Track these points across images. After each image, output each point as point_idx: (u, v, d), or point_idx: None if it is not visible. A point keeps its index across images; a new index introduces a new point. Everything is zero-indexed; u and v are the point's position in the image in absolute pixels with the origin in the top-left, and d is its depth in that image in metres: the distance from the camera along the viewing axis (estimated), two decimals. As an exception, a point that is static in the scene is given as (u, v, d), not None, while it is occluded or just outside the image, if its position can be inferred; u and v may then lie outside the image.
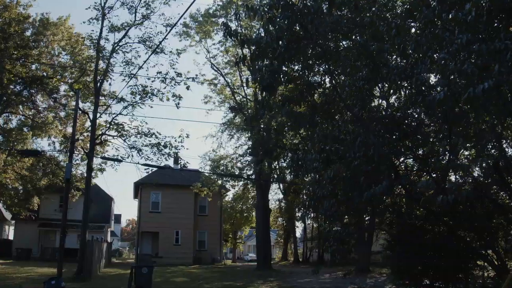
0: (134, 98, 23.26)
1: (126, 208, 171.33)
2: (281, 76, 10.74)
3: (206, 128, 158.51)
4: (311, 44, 10.74)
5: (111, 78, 24.81)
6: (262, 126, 32.56)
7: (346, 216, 13.30)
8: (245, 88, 39.84)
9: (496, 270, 13.05)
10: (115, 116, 23.27)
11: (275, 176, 45.84)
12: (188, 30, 37.86)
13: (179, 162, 23.28)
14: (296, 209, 56.92)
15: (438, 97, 7.32)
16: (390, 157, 10.40)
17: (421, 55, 8.81)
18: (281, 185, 55.67)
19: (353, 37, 11.19)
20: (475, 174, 12.50)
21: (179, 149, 23.22)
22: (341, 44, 12.04)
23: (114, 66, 24.37)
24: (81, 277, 22.04)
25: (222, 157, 45.69)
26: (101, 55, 24.43)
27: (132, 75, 23.42)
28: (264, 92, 11.52)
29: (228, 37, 10.65)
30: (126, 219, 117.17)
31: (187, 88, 24.84)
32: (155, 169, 31.45)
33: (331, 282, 26.53)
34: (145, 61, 26.73)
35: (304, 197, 48.73)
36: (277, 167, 42.95)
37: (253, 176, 40.62)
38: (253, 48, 11.35)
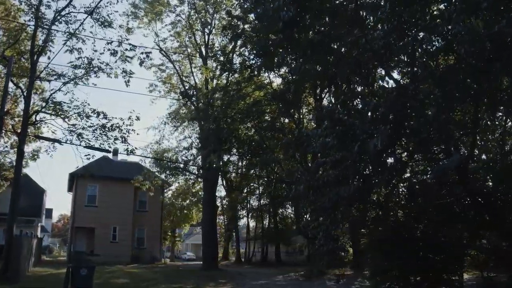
0: (76, 73, 20.29)
1: (59, 202, 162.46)
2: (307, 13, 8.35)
3: (149, 119, 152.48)
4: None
5: (50, 51, 21.63)
6: (215, 113, 30.39)
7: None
8: (195, 76, 37.48)
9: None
10: (54, 93, 20.17)
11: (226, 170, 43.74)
12: (137, 11, 34.97)
13: (128, 147, 20.45)
14: (239, 206, 55.39)
15: None
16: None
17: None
18: (224, 182, 53.71)
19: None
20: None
21: (129, 133, 20.39)
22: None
23: (55, 36, 21.14)
24: (6, 278, 18.83)
25: (166, 150, 43.21)
26: (40, 23, 21.20)
27: (76, 50, 20.46)
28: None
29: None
30: (59, 214, 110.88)
31: (141, 63, 21.92)
32: (93, 159, 28.06)
33: (288, 284, 24.67)
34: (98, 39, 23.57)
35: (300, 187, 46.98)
36: (229, 159, 40.98)
37: (201, 170, 38.25)
38: None
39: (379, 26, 8.24)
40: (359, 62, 8.47)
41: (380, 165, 7.97)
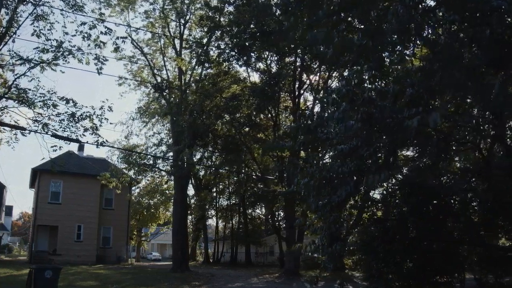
0: (43, 59, 18.54)
1: (20, 199, 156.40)
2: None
3: (117, 114, 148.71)
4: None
5: (15, 33, 19.79)
6: (190, 106, 29.03)
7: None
8: (167, 70, 35.95)
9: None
10: (18, 77, 18.38)
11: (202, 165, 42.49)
12: (110, -1, 33.12)
13: (98, 139, 18.78)
14: (208, 205, 53.99)
15: None
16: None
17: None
18: (193, 180, 52.25)
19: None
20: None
21: (102, 122, 18.75)
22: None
23: (20, 16, 19.28)
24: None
25: (135, 146, 41.68)
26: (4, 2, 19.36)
27: (44, 34, 18.73)
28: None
29: None
30: (19, 212, 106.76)
31: (116, 49, 20.21)
32: (60, 151, 26.08)
33: (267, 287, 23.56)
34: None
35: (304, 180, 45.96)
36: (204, 155, 39.76)
37: (172, 168, 36.76)
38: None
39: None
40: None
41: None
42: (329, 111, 7.65)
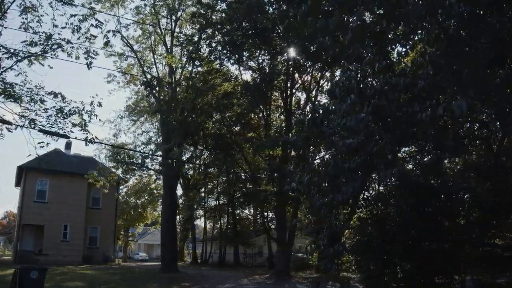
0: (31, 52, 17.93)
1: (4, 197, 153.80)
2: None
3: (105, 113, 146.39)
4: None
5: (2, 25, 19.15)
6: (181, 104, 28.56)
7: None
8: (158, 67, 35.40)
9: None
10: (4, 71, 17.75)
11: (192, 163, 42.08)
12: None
13: (87, 136, 18.17)
14: (196, 205, 53.42)
15: None
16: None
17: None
18: (181, 180, 51.70)
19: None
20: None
21: (91, 118, 18.15)
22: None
23: (6, 7, 18.62)
24: None
25: (124, 145, 41.14)
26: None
27: (31, 28, 18.09)
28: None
29: None
30: (4, 211, 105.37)
31: (106, 43, 19.64)
32: (47, 147, 25.29)
33: (257, 288, 23.20)
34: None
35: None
36: (195, 154, 39.33)
37: (161, 166, 36.23)
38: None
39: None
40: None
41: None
42: (333, 104, 7.32)
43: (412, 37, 6.89)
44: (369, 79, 6.73)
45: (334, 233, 8.67)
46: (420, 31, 6.76)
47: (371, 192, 12.59)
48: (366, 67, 6.52)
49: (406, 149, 12.96)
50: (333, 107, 6.80)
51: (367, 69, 6.56)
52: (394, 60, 7.64)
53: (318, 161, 10.37)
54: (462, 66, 7.08)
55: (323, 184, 7.43)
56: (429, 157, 11.02)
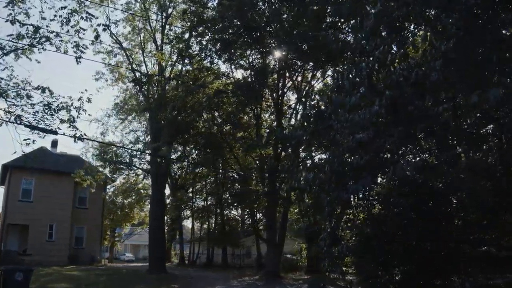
0: (18, 46, 17.36)
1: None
2: None
3: (92, 111, 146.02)
4: None
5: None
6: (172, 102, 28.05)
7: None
8: (147, 65, 34.85)
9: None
10: (-11, 64, 17.15)
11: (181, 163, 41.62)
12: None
13: (76, 133, 17.59)
14: (184, 206, 52.86)
15: None
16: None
17: None
18: (169, 180, 51.15)
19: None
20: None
21: (79, 114, 17.59)
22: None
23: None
24: None
25: (112, 144, 40.48)
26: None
27: (19, 22, 17.52)
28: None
29: None
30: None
31: (96, 37, 19.08)
32: (33, 144, 24.66)
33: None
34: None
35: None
36: (184, 153, 38.87)
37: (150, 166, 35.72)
38: None
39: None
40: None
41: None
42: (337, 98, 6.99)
43: (424, 27, 6.60)
44: (381, 70, 6.39)
45: (336, 234, 8.37)
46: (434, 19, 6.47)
47: (371, 192, 12.26)
48: (377, 59, 6.19)
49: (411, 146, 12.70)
50: (343, 100, 6.45)
51: (378, 61, 6.23)
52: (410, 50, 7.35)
53: (319, 158, 10.02)
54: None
55: (329, 182, 7.07)
56: (446, 153, 10.64)
